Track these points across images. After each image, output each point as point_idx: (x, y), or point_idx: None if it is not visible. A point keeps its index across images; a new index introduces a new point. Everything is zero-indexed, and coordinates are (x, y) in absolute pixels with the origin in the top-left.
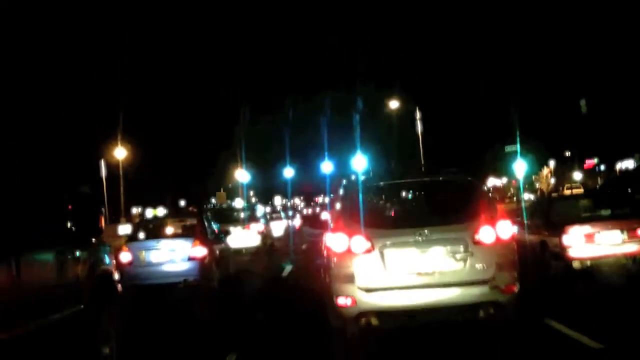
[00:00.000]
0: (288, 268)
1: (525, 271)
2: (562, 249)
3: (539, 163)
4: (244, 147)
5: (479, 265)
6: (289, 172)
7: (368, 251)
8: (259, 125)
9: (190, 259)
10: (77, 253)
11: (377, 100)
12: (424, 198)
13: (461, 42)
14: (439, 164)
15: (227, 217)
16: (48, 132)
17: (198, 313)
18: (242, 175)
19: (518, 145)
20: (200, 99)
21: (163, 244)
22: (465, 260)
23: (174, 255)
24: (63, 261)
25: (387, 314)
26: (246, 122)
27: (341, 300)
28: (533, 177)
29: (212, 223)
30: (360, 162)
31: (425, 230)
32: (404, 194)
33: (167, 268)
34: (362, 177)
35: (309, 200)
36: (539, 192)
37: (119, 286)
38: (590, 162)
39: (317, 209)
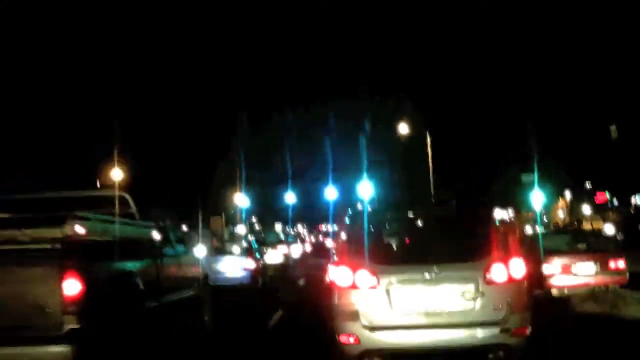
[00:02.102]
0: (276, 315)
1: None
2: (543, 278)
3: (556, 194)
4: (244, 168)
5: (489, 306)
6: (290, 198)
7: (373, 287)
8: (259, 140)
9: (244, 269)
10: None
11: (386, 122)
12: (434, 231)
13: (479, 58)
14: (449, 192)
15: (264, 241)
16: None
17: (248, 300)
18: (241, 199)
19: (536, 175)
20: (197, 117)
21: (227, 258)
22: (475, 300)
23: (234, 267)
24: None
25: (391, 354)
26: (245, 134)
27: (344, 338)
28: (542, 210)
29: (255, 244)
30: (366, 189)
31: (435, 267)
32: (412, 226)
33: (229, 275)
34: (368, 207)
35: (312, 228)
36: (552, 226)
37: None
38: (602, 195)
39: (321, 237)
